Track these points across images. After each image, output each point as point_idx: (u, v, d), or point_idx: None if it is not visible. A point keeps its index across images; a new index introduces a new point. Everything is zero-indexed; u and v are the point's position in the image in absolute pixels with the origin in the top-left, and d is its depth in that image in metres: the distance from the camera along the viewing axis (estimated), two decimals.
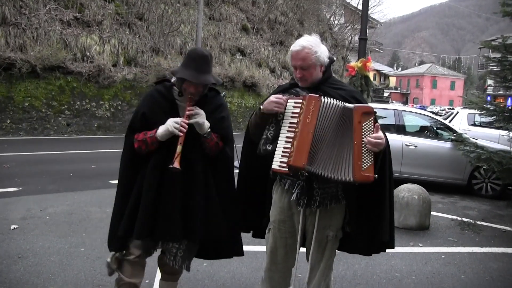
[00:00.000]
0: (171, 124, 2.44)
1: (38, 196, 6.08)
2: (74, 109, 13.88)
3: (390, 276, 3.97)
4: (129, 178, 2.59)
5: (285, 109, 2.31)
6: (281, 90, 2.53)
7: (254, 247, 4.30)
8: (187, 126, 2.45)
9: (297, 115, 2.23)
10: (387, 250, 4.67)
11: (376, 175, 2.18)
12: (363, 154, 2.17)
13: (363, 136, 2.18)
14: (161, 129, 2.46)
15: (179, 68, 2.50)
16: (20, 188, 6.46)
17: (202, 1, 17.63)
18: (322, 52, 2.37)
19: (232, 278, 3.74)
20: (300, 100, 2.24)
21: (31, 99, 13.02)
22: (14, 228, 4.70)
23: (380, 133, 2.19)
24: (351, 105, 2.21)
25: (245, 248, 4.34)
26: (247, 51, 21.23)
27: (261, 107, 2.35)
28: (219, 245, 2.78)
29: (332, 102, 2.21)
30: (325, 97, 2.22)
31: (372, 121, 2.21)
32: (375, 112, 2.23)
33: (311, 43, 2.34)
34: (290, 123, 2.24)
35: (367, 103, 2.43)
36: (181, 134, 2.43)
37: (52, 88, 13.43)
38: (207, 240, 2.66)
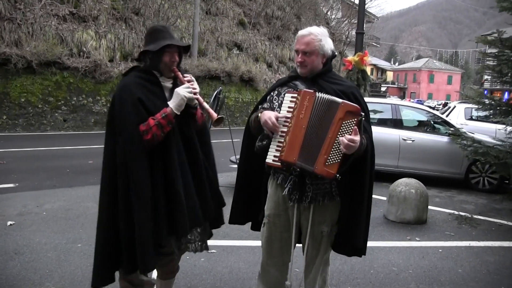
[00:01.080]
0: (184, 91, 2.37)
1: (34, 192, 6.06)
2: (70, 105, 13.83)
3: (387, 271, 3.98)
4: (148, 180, 2.29)
5: (282, 103, 2.31)
6: (280, 84, 2.52)
7: (251, 242, 4.31)
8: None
9: (292, 109, 2.23)
10: (384, 245, 4.70)
11: (338, 175, 2.16)
12: (332, 150, 2.15)
13: (339, 134, 2.15)
14: (175, 102, 2.35)
15: (152, 45, 2.38)
16: (17, 184, 6.44)
17: None
18: (327, 43, 2.37)
19: (230, 272, 3.74)
20: (296, 95, 2.24)
21: (27, 95, 12.96)
22: (11, 224, 4.68)
23: (357, 137, 2.12)
24: (340, 100, 2.18)
25: (242, 243, 4.38)
26: (244, 45, 21.20)
27: (260, 115, 2.32)
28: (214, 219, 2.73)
29: (325, 97, 2.20)
30: (320, 92, 2.21)
31: (354, 122, 2.16)
32: (362, 115, 2.17)
33: (318, 31, 2.36)
34: (285, 117, 2.24)
35: (364, 101, 2.40)
36: (197, 96, 2.42)
37: (48, 84, 13.37)
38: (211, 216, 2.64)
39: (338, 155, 2.15)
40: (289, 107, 2.25)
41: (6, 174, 7.01)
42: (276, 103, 2.43)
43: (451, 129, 7.72)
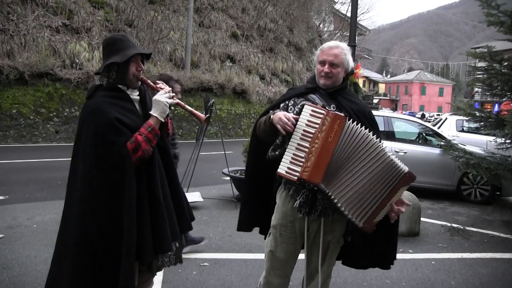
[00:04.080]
0: (164, 98, 2.31)
1: (25, 204, 5.99)
2: (63, 116, 13.77)
3: (380, 283, 3.96)
4: (134, 200, 2.21)
5: (298, 113, 2.29)
6: (297, 94, 2.48)
7: (243, 255, 4.28)
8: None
9: (315, 125, 2.18)
10: None
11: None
12: (382, 211, 2.23)
13: (393, 198, 2.23)
14: (158, 110, 2.28)
15: (117, 57, 2.22)
16: (7, 196, 6.37)
17: (192, 8, 17.66)
18: (350, 59, 2.43)
19: (222, 286, 3.71)
20: (324, 113, 2.18)
21: (19, 106, 12.89)
22: (0, 237, 4.62)
23: (404, 209, 2.31)
24: (406, 168, 2.21)
25: (235, 256, 4.34)
26: (236, 58, 21.28)
27: (272, 116, 2.29)
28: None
29: (355, 128, 2.18)
30: (351, 120, 2.21)
31: (406, 188, 2.27)
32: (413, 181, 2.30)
33: (344, 46, 2.43)
34: (305, 131, 2.20)
35: (374, 117, 2.50)
36: (177, 100, 2.40)
37: (41, 95, 13.32)
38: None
39: (384, 214, 2.26)
40: (308, 121, 2.20)
41: None
42: (292, 113, 2.40)
43: (443, 141, 7.76)
